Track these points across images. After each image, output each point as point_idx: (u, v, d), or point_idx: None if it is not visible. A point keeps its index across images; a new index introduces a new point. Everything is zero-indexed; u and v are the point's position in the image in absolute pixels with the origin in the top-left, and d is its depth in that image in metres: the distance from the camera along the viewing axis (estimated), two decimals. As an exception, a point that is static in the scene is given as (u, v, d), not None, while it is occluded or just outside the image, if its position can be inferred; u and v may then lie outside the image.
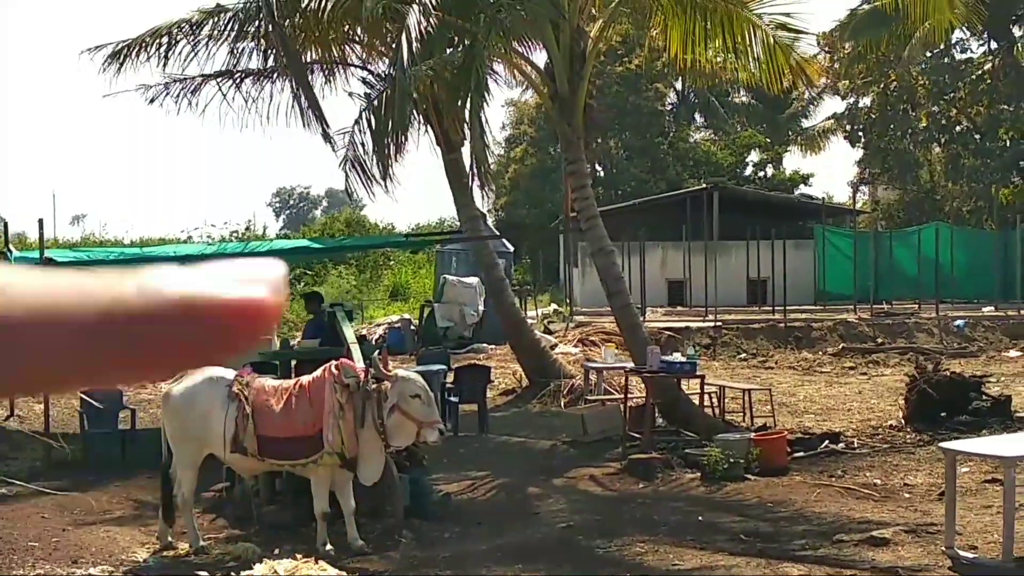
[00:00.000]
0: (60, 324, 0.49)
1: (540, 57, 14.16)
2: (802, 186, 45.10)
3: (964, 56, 36.15)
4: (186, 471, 7.92)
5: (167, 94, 14.94)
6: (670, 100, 46.82)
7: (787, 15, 12.86)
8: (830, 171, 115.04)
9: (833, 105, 48.65)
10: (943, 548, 7.25)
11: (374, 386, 7.58)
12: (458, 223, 18.50)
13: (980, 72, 33.58)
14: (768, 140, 44.83)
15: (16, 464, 10.81)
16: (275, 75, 14.88)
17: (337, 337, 9.65)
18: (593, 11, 13.70)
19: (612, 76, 40.96)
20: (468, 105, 13.06)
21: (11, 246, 14.40)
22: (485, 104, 12.31)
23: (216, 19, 13.96)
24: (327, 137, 14.11)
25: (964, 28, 30.28)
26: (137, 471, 10.34)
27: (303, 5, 13.24)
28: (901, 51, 29.52)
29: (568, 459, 11.27)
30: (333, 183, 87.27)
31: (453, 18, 12.77)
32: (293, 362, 10.79)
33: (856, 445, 11.47)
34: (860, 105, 38.45)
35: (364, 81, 15.54)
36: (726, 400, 13.12)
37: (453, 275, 25.30)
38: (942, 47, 33.40)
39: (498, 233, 28.10)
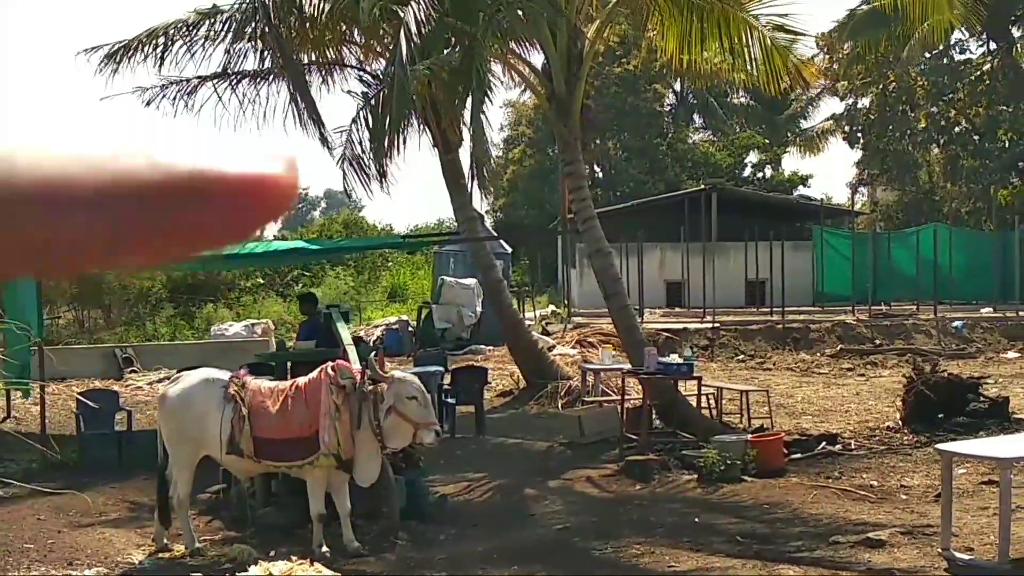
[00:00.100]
0: (67, 194, 0.47)
1: (537, 58, 14.17)
2: (801, 187, 45.13)
3: (963, 57, 36.15)
4: (182, 473, 7.91)
5: (163, 96, 14.94)
6: (669, 101, 46.86)
7: (784, 16, 12.87)
8: (829, 172, 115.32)
9: (832, 106, 48.84)
10: (939, 550, 7.25)
11: (370, 387, 7.57)
12: (456, 224, 18.49)
13: (979, 73, 33.57)
14: (767, 141, 44.84)
15: (12, 465, 10.80)
16: (272, 76, 14.87)
17: (333, 338, 9.64)
18: (591, 12, 13.70)
19: (611, 77, 40.99)
20: (469, 105, 13.03)
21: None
22: (488, 101, 12.30)
23: (212, 20, 13.95)
24: (324, 140, 14.10)
25: (963, 29, 30.29)
26: (133, 473, 10.34)
27: (299, 6, 13.23)
28: (900, 52, 29.55)
29: (565, 461, 11.25)
30: (331, 184, 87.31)
31: (450, 19, 12.76)
32: (289, 364, 10.79)
33: (853, 446, 11.46)
34: (859, 106, 38.46)
35: (361, 80, 15.55)
36: (724, 401, 13.12)
37: (451, 276, 25.29)
38: (941, 48, 33.37)
39: (496, 234, 28.11)
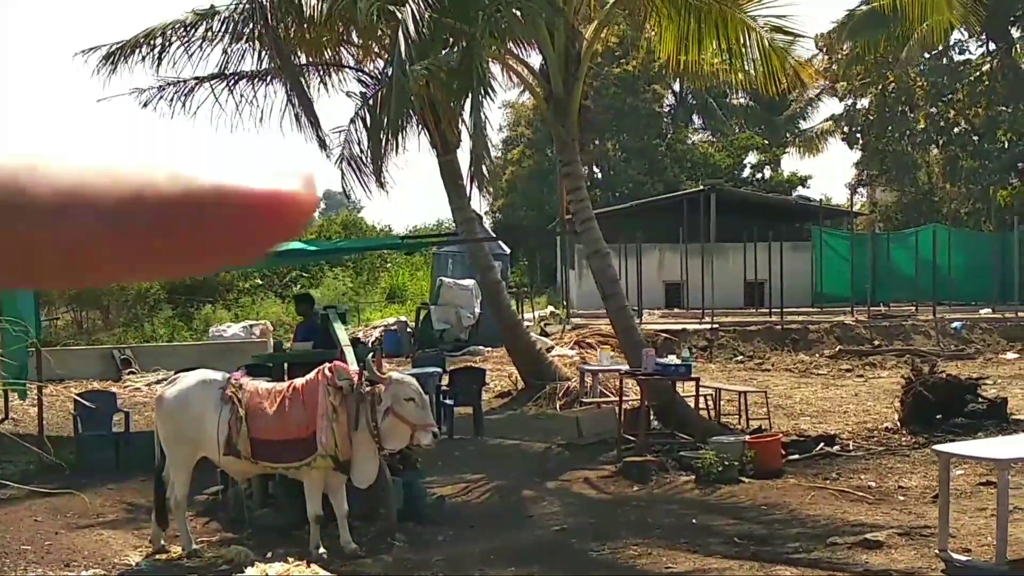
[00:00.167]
0: (88, 205, 0.48)
1: (535, 59, 14.17)
2: (800, 188, 45.16)
3: (962, 57, 36.12)
4: (179, 474, 7.90)
5: (160, 97, 14.93)
6: (668, 102, 46.86)
7: (782, 17, 12.86)
8: (828, 173, 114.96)
9: (831, 106, 48.76)
10: (936, 551, 7.25)
11: (368, 389, 7.56)
12: (454, 225, 18.49)
13: (978, 73, 33.54)
14: (766, 142, 44.85)
15: (10, 467, 10.79)
16: (269, 77, 14.86)
17: (330, 340, 9.63)
18: (589, 12, 13.70)
19: (610, 78, 40.99)
20: (468, 104, 13.01)
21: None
22: (490, 99, 12.28)
23: (210, 21, 13.94)
24: (321, 143, 14.11)
25: (962, 29, 30.30)
26: (131, 474, 10.34)
27: (298, 7, 13.22)
28: (899, 52, 29.51)
29: (563, 462, 11.25)
30: (331, 185, 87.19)
31: (448, 19, 12.75)
32: (286, 365, 10.77)
33: (851, 447, 11.46)
34: (858, 106, 38.42)
35: (360, 80, 15.55)
36: (722, 402, 13.12)
37: (449, 277, 25.28)
38: (940, 48, 33.35)
39: (494, 235, 28.11)
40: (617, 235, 23.32)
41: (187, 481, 7.96)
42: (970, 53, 36.18)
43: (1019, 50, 33.05)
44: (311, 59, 15.07)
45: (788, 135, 43.98)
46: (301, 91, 14.11)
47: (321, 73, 15.34)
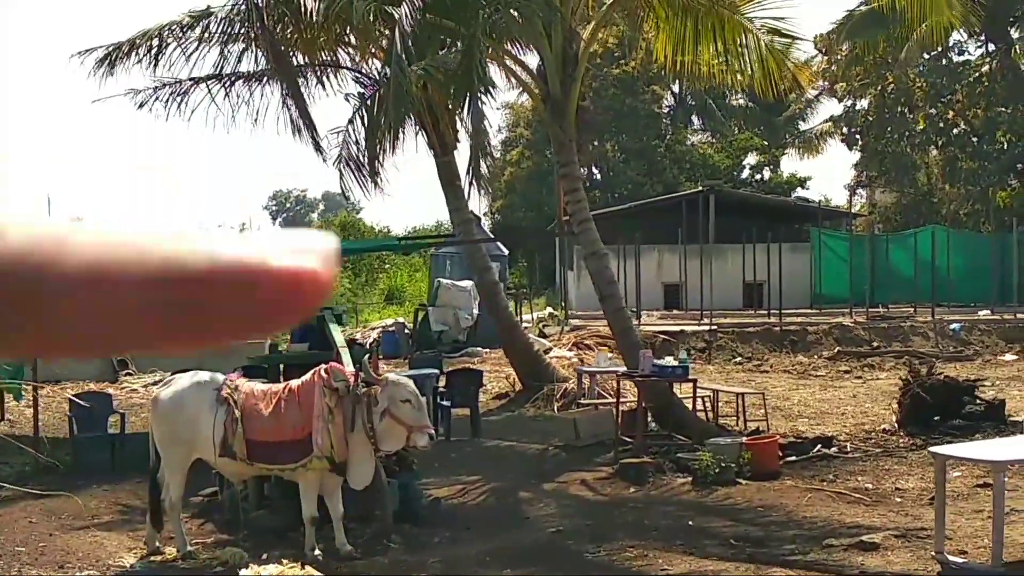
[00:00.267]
0: (114, 279, 0.49)
1: (532, 59, 14.15)
2: (799, 189, 45.16)
3: (962, 58, 36.12)
4: (174, 475, 7.89)
5: (156, 98, 14.91)
6: (667, 103, 46.87)
7: (779, 20, 12.84)
8: (827, 174, 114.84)
9: (830, 107, 48.65)
10: (933, 553, 7.23)
11: (364, 390, 7.55)
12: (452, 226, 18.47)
13: (978, 74, 33.54)
14: (765, 143, 44.85)
15: (5, 468, 10.77)
16: (265, 78, 14.84)
17: (326, 341, 9.61)
18: (587, 12, 13.68)
19: (609, 78, 40.99)
20: (467, 103, 12.98)
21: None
22: (491, 97, 12.27)
23: (206, 22, 13.92)
24: (316, 144, 14.10)
25: (962, 30, 30.25)
26: (126, 475, 10.32)
27: (294, 8, 13.20)
28: (898, 53, 29.53)
29: (560, 463, 11.24)
30: (330, 186, 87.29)
31: (447, 20, 12.74)
32: (282, 366, 10.74)
33: (849, 449, 11.44)
34: (857, 107, 38.42)
35: (357, 81, 15.52)
36: (720, 404, 13.10)
37: (447, 279, 25.27)
38: (940, 49, 33.31)
39: (493, 236, 28.10)
40: (616, 236, 23.30)
41: (182, 483, 7.95)
42: (969, 54, 36.23)
43: (1018, 51, 33.05)
44: (308, 60, 15.04)
45: (787, 136, 43.96)
46: (297, 92, 14.09)
47: (318, 74, 15.31)
